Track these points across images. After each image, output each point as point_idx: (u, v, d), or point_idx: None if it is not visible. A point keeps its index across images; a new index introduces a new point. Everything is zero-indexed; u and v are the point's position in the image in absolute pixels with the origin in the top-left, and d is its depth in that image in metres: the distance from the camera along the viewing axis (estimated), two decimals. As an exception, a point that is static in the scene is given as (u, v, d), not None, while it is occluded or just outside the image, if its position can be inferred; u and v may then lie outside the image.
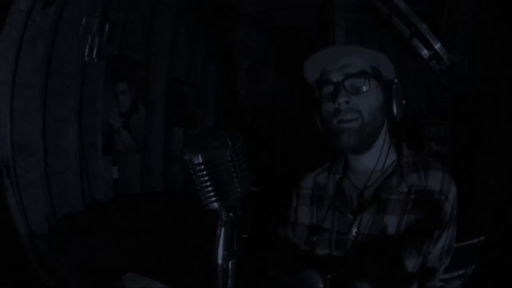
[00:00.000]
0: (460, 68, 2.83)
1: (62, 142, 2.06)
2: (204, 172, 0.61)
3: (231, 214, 0.67)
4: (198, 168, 0.61)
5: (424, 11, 2.90)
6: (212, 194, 0.63)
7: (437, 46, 2.81)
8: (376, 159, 1.00)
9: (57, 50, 1.98)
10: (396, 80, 0.99)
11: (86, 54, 2.06)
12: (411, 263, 0.91)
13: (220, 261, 0.65)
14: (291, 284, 0.92)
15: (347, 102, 0.94)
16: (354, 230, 0.96)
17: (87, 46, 2.06)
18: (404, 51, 3.24)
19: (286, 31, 3.60)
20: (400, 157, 1.02)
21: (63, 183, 2.05)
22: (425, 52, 2.91)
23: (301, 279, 0.91)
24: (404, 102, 0.98)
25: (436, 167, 0.97)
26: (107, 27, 2.13)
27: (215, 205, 0.64)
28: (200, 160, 0.61)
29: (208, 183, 0.62)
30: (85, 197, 2.16)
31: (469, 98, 2.83)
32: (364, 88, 0.94)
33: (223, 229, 0.67)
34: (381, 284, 0.92)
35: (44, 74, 1.92)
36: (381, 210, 0.94)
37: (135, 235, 2.00)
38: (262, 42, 3.83)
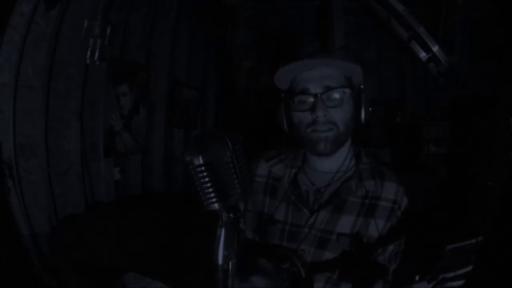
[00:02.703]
0: (458, 70, 2.84)
1: (64, 144, 2.07)
2: (205, 173, 0.62)
3: (231, 215, 0.67)
4: (198, 169, 0.62)
5: (422, 14, 2.92)
6: (212, 195, 0.63)
7: (435, 48, 2.83)
8: (337, 161, 1.03)
9: (59, 53, 2.00)
10: (362, 86, 1.01)
11: (88, 57, 2.07)
12: (362, 261, 0.96)
13: (220, 261, 0.66)
14: (245, 273, 0.90)
15: (325, 115, 0.95)
16: (310, 224, 0.98)
17: (89, 49, 2.07)
18: (403, 54, 3.27)
19: (286, 33, 3.61)
20: (359, 163, 1.05)
21: (65, 184, 2.06)
22: (423, 54, 2.93)
23: (258, 269, 0.89)
24: (370, 109, 1.01)
25: (391, 179, 1.01)
26: (108, 29, 2.14)
27: (216, 206, 0.64)
28: (201, 161, 0.61)
29: (209, 184, 0.62)
30: (86, 198, 2.18)
31: (466, 100, 2.85)
32: (341, 102, 0.96)
33: (223, 229, 0.67)
34: (334, 279, 0.96)
35: (46, 76, 1.94)
36: (338, 209, 0.98)
37: (136, 235, 2.02)
38: (262, 44, 3.85)
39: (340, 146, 1.01)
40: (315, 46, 3.19)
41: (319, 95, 0.95)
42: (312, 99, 0.96)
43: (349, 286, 0.96)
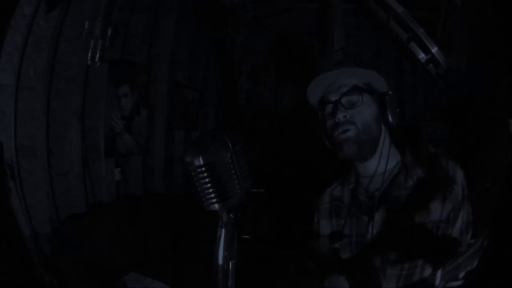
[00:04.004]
0: (457, 71, 2.85)
1: (65, 145, 2.08)
2: (205, 174, 0.63)
3: (231, 215, 0.68)
4: (199, 170, 0.63)
5: (421, 16, 2.93)
6: (212, 195, 0.64)
7: (434, 50, 2.84)
8: (380, 163, 1.10)
9: (60, 54, 2.00)
10: (390, 92, 1.11)
11: (89, 58, 2.08)
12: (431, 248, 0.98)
13: (220, 261, 0.67)
14: None
15: (345, 116, 1.07)
16: (371, 229, 1.03)
17: (90, 50, 2.09)
18: (402, 55, 3.27)
19: (286, 35, 3.63)
20: (404, 157, 1.12)
21: (66, 184, 2.07)
22: (422, 56, 2.93)
23: (328, 283, 0.95)
24: (398, 110, 1.10)
25: (438, 158, 1.07)
26: (109, 31, 2.16)
27: (216, 206, 0.65)
28: (201, 162, 0.63)
29: (209, 185, 0.64)
30: (87, 198, 2.18)
31: (465, 101, 2.86)
32: (358, 103, 1.07)
33: (223, 230, 0.68)
34: (404, 274, 0.98)
35: (48, 77, 1.94)
36: (394, 207, 1.03)
37: (136, 236, 2.02)
38: (262, 46, 3.86)
39: (368, 146, 1.08)
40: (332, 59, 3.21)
41: (338, 100, 1.08)
42: (333, 106, 1.10)
43: (419, 276, 0.98)
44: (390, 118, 1.08)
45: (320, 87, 1.15)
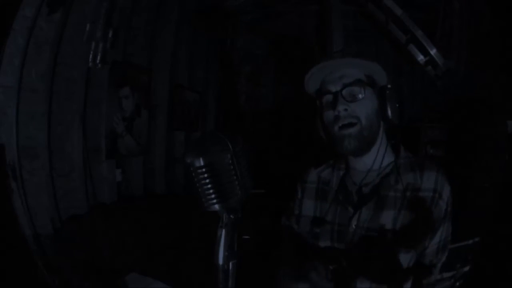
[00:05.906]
0: (455, 73, 2.86)
1: (67, 146, 2.09)
2: (205, 175, 0.63)
3: (231, 216, 0.69)
4: (199, 171, 0.63)
5: (420, 18, 2.94)
6: (213, 196, 0.65)
7: (433, 52, 2.85)
8: (374, 159, 1.07)
9: (62, 56, 2.01)
10: (389, 86, 1.07)
11: (90, 60, 2.09)
12: (406, 257, 0.96)
13: (221, 261, 0.67)
14: (298, 275, 0.95)
15: (346, 110, 1.02)
16: (354, 223, 1.02)
17: (91, 52, 2.10)
18: (401, 57, 3.28)
19: (285, 37, 3.64)
20: (397, 158, 1.08)
21: (67, 185, 2.08)
22: (421, 57, 2.95)
23: (306, 271, 0.94)
24: (397, 105, 1.06)
25: (430, 168, 1.03)
26: (110, 33, 2.17)
27: (216, 207, 0.66)
28: (201, 163, 0.63)
29: (209, 186, 0.64)
30: (89, 199, 2.19)
31: (463, 103, 2.87)
32: (360, 96, 1.02)
33: (224, 230, 0.69)
34: (379, 276, 0.97)
35: (49, 79, 1.95)
36: (380, 205, 1.01)
37: (137, 236, 2.03)
38: (262, 48, 3.88)
39: (368, 142, 1.05)
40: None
41: (338, 91, 1.03)
42: (333, 97, 1.04)
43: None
44: (389, 113, 1.04)
45: (318, 76, 1.09)
